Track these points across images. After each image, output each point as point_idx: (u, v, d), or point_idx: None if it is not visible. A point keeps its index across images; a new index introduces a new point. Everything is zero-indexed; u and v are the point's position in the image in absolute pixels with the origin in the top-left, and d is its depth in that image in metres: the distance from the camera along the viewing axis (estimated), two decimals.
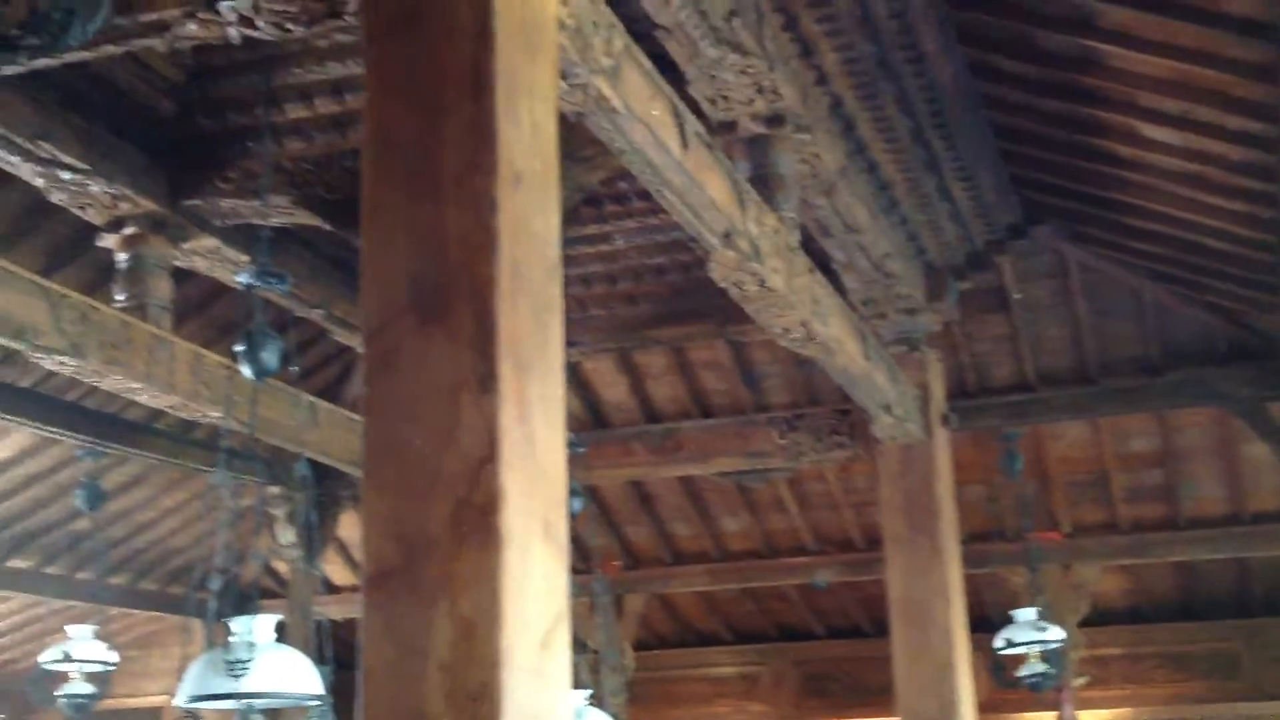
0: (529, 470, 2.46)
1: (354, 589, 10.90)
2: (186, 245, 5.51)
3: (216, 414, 5.44)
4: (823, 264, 5.74)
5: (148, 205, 5.15)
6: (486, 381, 2.44)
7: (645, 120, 3.64)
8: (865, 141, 5.53)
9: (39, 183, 4.91)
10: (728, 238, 4.35)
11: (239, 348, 4.19)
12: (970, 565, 7.25)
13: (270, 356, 4.11)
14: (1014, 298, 7.93)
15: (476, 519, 2.35)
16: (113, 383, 5.08)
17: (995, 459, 8.53)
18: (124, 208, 5.18)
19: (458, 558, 2.35)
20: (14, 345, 4.62)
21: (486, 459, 2.38)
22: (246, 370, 4.16)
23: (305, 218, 5.44)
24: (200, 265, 5.77)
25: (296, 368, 5.11)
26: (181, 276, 5.73)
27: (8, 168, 4.80)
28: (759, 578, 10.71)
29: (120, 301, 5.25)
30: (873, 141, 5.57)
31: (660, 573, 10.74)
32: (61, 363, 4.82)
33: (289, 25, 2.94)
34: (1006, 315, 8.10)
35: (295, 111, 5.24)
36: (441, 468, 2.41)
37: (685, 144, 3.91)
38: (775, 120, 4.81)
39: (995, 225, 6.82)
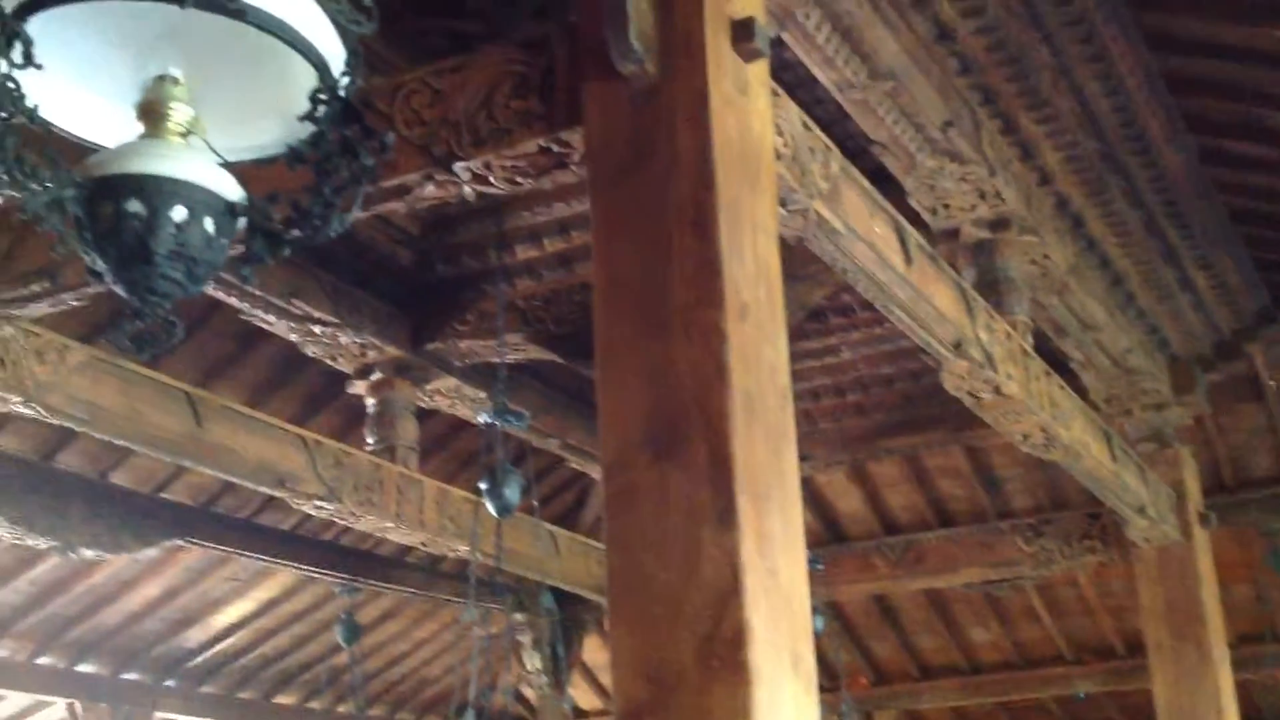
0: (773, 603, 2.45)
1: (600, 714, 10.94)
2: (429, 386, 5.75)
3: (463, 548, 5.60)
4: (1059, 364, 5.59)
5: (392, 352, 5.40)
6: (725, 515, 2.45)
7: (867, 239, 3.64)
8: (1096, 237, 5.40)
9: (293, 337, 5.21)
10: (958, 347, 4.29)
11: (483, 485, 4.32)
12: (1242, 670, 6.83)
13: (513, 493, 4.22)
14: (1269, 385, 7.53)
15: (724, 654, 2.35)
16: (367, 523, 5.30)
17: (1260, 556, 8.05)
18: (371, 355, 5.45)
19: (707, 693, 2.35)
20: (277, 493, 4.87)
21: (730, 593, 2.38)
22: (491, 507, 4.28)
23: (538, 353, 5.62)
24: (442, 404, 6.01)
25: (536, 503, 5.22)
26: (424, 415, 5.96)
27: (265, 325, 5.12)
28: (1014, 691, 10.30)
29: (371, 445, 5.49)
30: (1104, 237, 5.43)
31: (909, 688, 10.44)
32: (319, 506, 5.06)
33: (519, 179, 3.08)
34: (1262, 404, 7.68)
35: (525, 252, 5.45)
36: (685, 603, 2.42)
37: (909, 258, 3.89)
38: (999, 224, 4.75)
39: (1242, 312, 6.52)
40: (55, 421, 4.10)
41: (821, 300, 6.13)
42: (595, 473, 7.29)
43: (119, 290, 1.39)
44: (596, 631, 9.17)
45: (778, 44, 3.46)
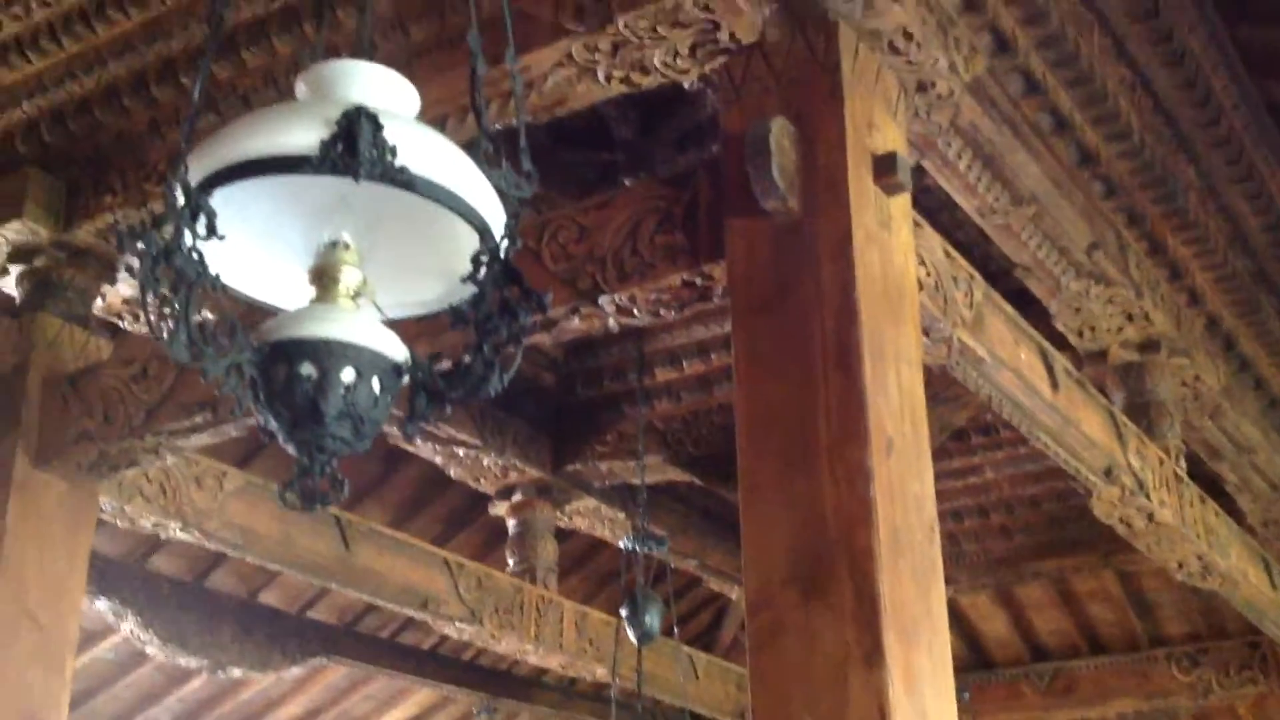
0: None
1: None
2: (569, 507, 5.80)
3: (602, 670, 5.58)
4: (1214, 487, 5.42)
5: (533, 473, 5.47)
6: (872, 656, 2.41)
7: (1012, 366, 3.60)
8: (1249, 357, 5.25)
9: (438, 459, 5.31)
10: (1109, 474, 4.18)
11: (624, 612, 4.32)
12: None
13: (653, 620, 4.22)
14: None
15: None
16: (507, 645, 5.32)
17: None
18: (513, 476, 5.52)
19: None
20: (420, 615, 4.93)
21: None
22: (631, 634, 4.27)
23: (676, 474, 5.63)
24: (580, 524, 6.04)
25: (675, 624, 5.19)
26: (561, 534, 6.00)
27: (409, 448, 5.23)
28: None
29: (511, 566, 5.54)
30: (1257, 357, 5.28)
31: None
32: (460, 628, 5.10)
33: (663, 311, 3.12)
34: None
35: (665, 374, 5.50)
36: None
37: (1055, 384, 3.83)
38: (1149, 346, 4.66)
39: None
40: (211, 546, 4.22)
41: (964, 420, 6.05)
42: (733, 593, 7.23)
43: (289, 449, 1.44)
44: None
45: (917, 170, 3.48)
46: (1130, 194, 4.17)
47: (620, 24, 3.13)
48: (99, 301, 4.05)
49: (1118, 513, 4.39)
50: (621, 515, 5.91)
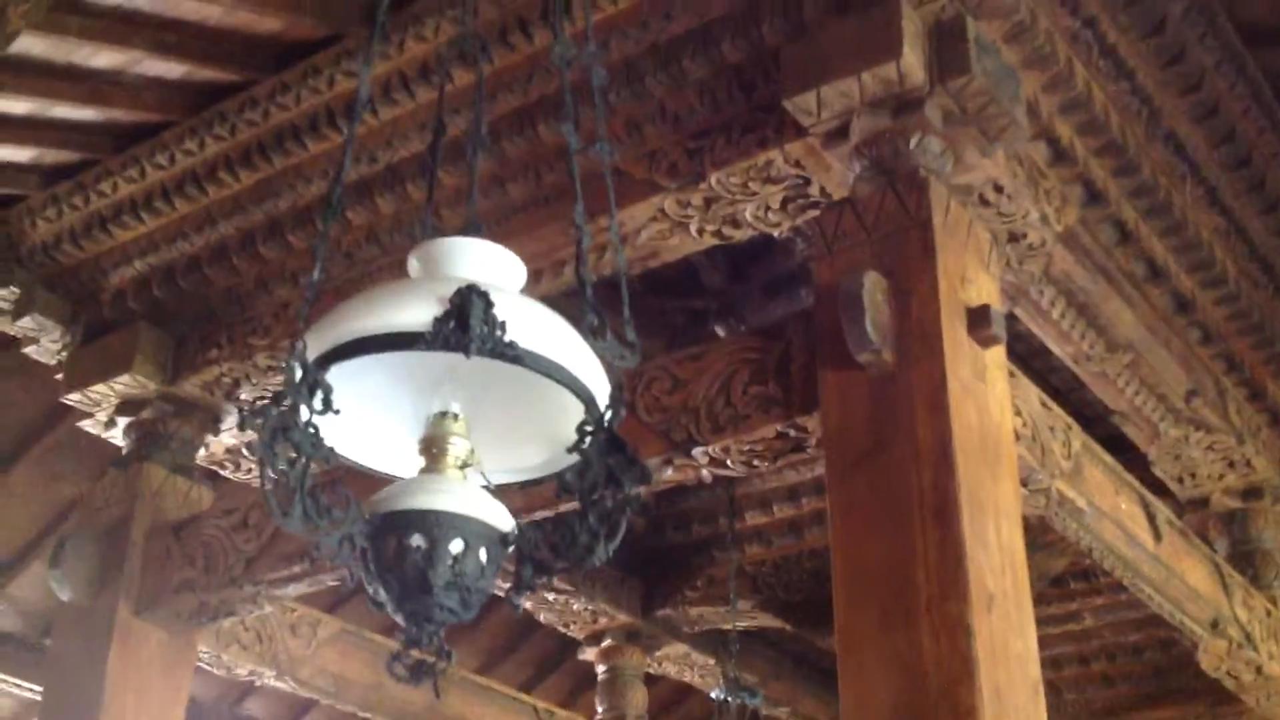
0: None
1: None
2: (658, 653, 5.74)
3: None
4: None
5: (623, 618, 5.44)
6: None
7: (1112, 516, 3.54)
8: None
9: (527, 604, 5.30)
10: (1215, 626, 4.07)
11: None
12: None
13: None
14: None
15: None
16: None
17: None
18: (602, 622, 5.49)
19: None
20: None
21: None
22: None
23: (768, 619, 5.57)
24: (670, 670, 5.97)
25: None
26: (651, 681, 5.93)
27: (497, 592, 5.22)
28: None
29: (600, 713, 5.47)
30: None
31: None
32: None
33: (756, 463, 3.12)
34: None
35: (755, 518, 5.47)
36: None
37: (1158, 535, 3.75)
38: (1251, 493, 4.56)
39: None
40: (304, 694, 4.23)
41: (1062, 567, 5.93)
42: None
43: (398, 619, 1.46)
44: None
45: (1010, 317, 3.48)
46: (1227, 340, 4.12)
47: (713, 180, 3.20)
48: (202, 451, 4.15)
49: (1225, 666, 4.26)
50: (712, 661, 5.84)
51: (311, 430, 1.43)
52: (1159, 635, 6.58)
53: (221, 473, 4.34)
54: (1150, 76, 3.42)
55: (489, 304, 1.45)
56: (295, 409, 1.42)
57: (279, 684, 4.09)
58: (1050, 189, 3.30)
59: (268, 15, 3.47)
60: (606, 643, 5.59)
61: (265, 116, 3.69)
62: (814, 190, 3.20)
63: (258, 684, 4.20)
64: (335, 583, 3.68)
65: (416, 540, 1.44)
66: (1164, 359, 3.96)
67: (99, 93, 3.68)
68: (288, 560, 3.54)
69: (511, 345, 1.46)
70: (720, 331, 4.80)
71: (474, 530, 1.47)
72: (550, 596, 5.29)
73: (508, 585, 1.59)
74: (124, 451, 4.04)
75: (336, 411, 1.45)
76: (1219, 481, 4.51)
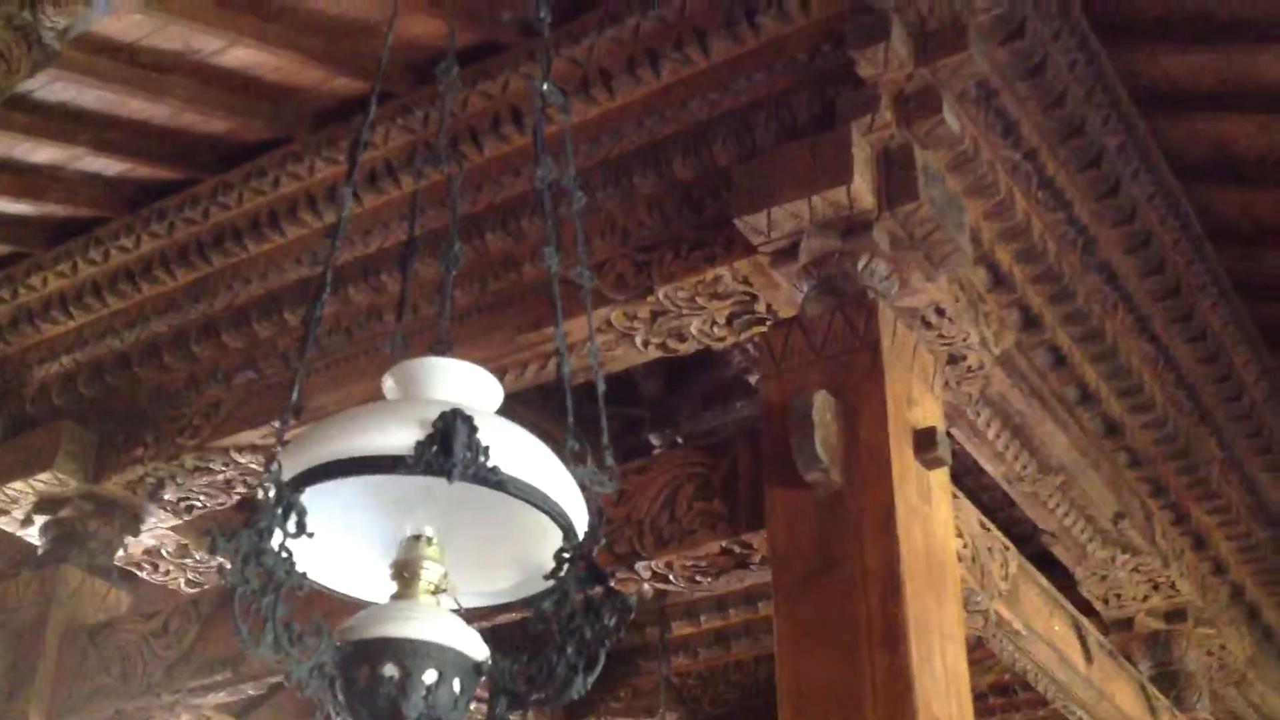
0: None
1: None
2: None
3: None
4: None
5: None
6: None
7: (1047, 638, 3.56)
8: (1272, 627, 5.19)
9: None
10: None
11: None
12: None
13: None
14: None
15: None
16: None
17: None
18: None
19: None
20: None
21: None
22: None
23: None
24: None
25: None
26: None
27: None
28: None
29: None
30: None
31: None
32: None
33: (699, 579, 3.09)
34: None
35: (681, 628, 5.41)
36: None
37: (1089, 657, 3.78)
38: (1175, 615, 4.61)
39: None
40: None
41: (985, 689, 5.94)
42: None
43: None
44: None
45: (947, 437, 3.50)
46: (1155, 465, 4.20)
47: (660, 294, 3.21)
48: (121, 552, 4.02)
49: None
50: None
51: (285, 554, 1.39)
52: None
53: (139, 574, 4.21)
54: (1086, 208, 3.51)
55: (473, 428, 1.42)
56: (269, 531, 1.38)
57: None
58: (989, 313, 3.36)
59: (216, 117, 3.45)
60: None
61: (205, 215, 3.65)
62: (760, 307, 3.22)
63: None
64: (257, 691, 3.56)
65: (389, 670, 1.40)
66: (1094, 481, 4.01)
67: (35, 186, 3.63)
68: (210, 668, 3.43)
69: (495, 470, 1.43)
70: (655, 440, 4.79)
71: (449, 660, 1.43)
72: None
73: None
74: (40, 551, 3.91)
75: (310, 535, 1.41)
76: (1144, 603, 4.55)
